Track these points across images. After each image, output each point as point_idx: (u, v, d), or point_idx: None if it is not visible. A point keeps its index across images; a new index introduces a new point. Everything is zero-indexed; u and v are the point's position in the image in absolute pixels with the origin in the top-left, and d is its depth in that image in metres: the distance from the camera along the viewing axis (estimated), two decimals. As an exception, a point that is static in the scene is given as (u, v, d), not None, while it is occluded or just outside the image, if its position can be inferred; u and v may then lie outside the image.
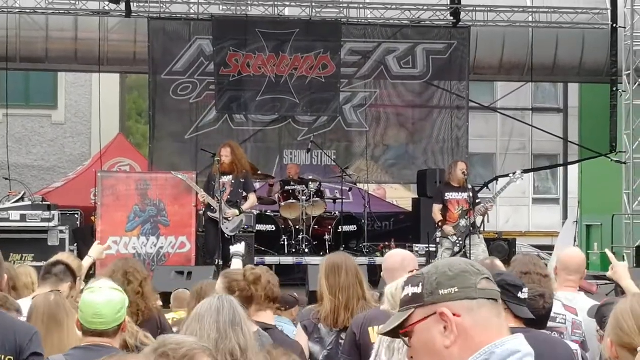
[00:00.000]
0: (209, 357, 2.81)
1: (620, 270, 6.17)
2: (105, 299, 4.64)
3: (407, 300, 2.56)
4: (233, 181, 14.85)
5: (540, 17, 19.52)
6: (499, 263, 7.08)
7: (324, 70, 19.15)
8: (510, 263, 6.47)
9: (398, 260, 6.22)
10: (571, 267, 6.62)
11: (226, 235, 14.67)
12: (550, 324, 5.47)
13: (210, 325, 4.21)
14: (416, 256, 7.01)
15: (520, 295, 5.04)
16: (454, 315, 2.50)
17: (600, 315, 5.50)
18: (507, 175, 16.28)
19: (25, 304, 5.82)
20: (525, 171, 19.78)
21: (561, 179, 37.73)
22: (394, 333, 2.60)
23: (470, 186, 15.11)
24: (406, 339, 2.56)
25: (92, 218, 16.46)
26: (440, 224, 14.79)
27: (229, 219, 14.72)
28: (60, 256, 6.96)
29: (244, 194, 15.06)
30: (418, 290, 2.54)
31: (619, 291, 12.61)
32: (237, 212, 14.82)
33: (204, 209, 15.19)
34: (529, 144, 33.64)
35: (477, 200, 15.14)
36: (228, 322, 4.22)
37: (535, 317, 5.05)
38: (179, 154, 18.91)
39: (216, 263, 14.23)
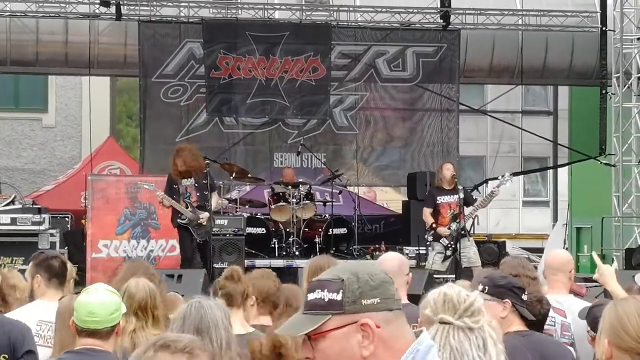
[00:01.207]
0: (207, 356, 2.82)
1: (607, 273, 6.17)
2: (99, 299, 4.66)
3: (322, 306, 2.50)
4: (197, 185, 13.92)
5: (530, 20, 19.58)
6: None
7: (314, 74, 19.18)
8: (499, 266, 6.49)
9: (396, 265, 6.22)
10: (554, 266, 6.62)
11: (199, 241, 14.17)
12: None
13: (176, 333, 4.19)
14: (407, 259, 7.02)
15: (524, 297, 5.11)
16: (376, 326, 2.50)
17: (591, 317, 5.53)
18: (496, 178, 16.31)
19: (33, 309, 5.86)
20: (516, 174, 19.84)
21: (551, 182, 37.74)
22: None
23: (461, 187, 15.10)
24: (311, 343, 2.53)
25: (83, 221, 16.46)
26: (433, 226, 14.75)
27: (203, 224, 13.87)
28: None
29: (209, 194, 14.01)
30: (338, 297, 2.49)
31: (609, 294, 12.66)
32: (207, 215, 13.90)
33: (172, 217, 14.24)
34: (519, 147, 33.73)
35: (475, 198, 15.13)
36: (193, 329, 4.17)
37: (535, 321, 5.10)
38: (169, 157, 18.82)
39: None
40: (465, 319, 2.80)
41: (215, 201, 14.24)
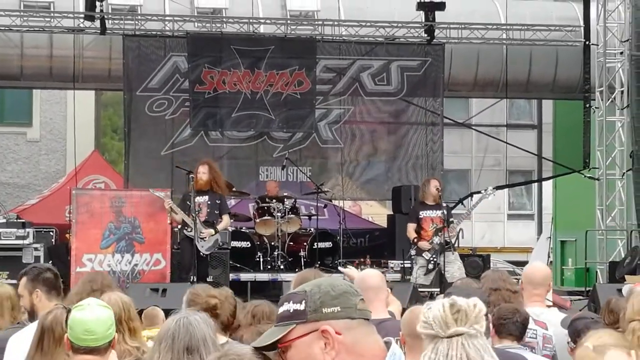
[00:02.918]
0: None
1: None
2: (95, 315, 4.62)
3: (288, 316, 2.66)
4: (209, 202, 14.87)
5: (514, 34, 19.65)
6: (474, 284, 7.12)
7: (299, 87, 19.21)
8: (480, 279, 6.52)
9: (379, 279, 6.30)
10: (536, 281, 6.65)
11: (201, 254, 14.70)
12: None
13: (166, 353, 4.19)
14: (391, 272, 7.03)
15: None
16: (336, 333, 2.63)
17: (573, 328, 5.56)
18: (480, 192, 16.36)
19: None
20: (500, 187, 19.90)
21: (536, 195, 37.94)
22: (267, 347, 2.70)
23: (444, 204, 15.17)
24: (279, 353, 2.66)
25: (67, 235, 16.42)
26: (415, 240, 14.83)
27: (205, 238, 14.73)
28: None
29: (219, 214, 15.07)
30: (301, 307, 2.65)
31: (592, 307, 12.70)
32: (212, 231, 14.85)
33: (179, 227, 15.17)
34: (504, 160, 33.79)
35: (451, 219, 15.20)
36: (182, 348, 4.16)
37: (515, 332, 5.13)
38: (154, 171, 18.88)
39: (191, 280, 14.20)
40: (475, 326, 2.81)
41: (225, 223, 15.23)
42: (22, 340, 5.47)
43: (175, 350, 4.14)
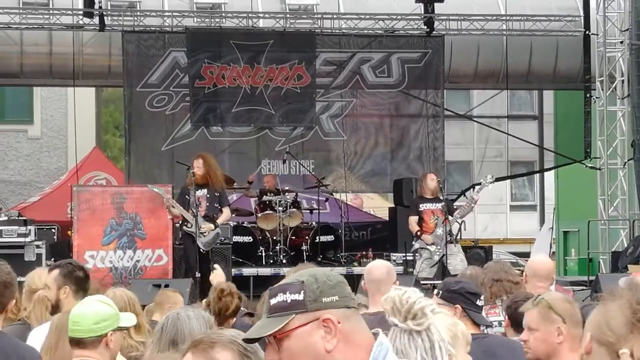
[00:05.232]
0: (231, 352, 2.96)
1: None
2: (86, 308, 4.69)
3: (285, 307, 2.68)
4: (208, 195, 14.62)
5: (513, 25, 19.61)
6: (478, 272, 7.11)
7: (299, 81, 19.19)
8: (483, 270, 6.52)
9: (384, 272, 6.28)
10: (542, 274, 6.66)
11: (202, 250, 14.56)
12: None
13: (154, 346, 4.24)
14: (394, 265, 7.04)
15: (478, 302, 5.18)
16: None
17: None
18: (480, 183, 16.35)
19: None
20: (501, 178, 19.91)
21: (538, 186, 37.92)
22: (258, 338, 2.75)
23: (442, 197, 15.16)
24: (277, 344, 2.68)
25: (69, 232, 16.42)
26: (418, 233, 14.82)
27: (205, 233, 14.57)
28: (39, 271, 6.87)
29: (219, 207, 14.89)
30: (299, 297, 2.68)
31: (595, 297, 12.69)
32: (212, 226, 14.61)
33: (180, 222, 15.10)
34: (506, 151, 33.83)
35: (455, 207, 15.20)
36: (168, 342, 4.23)
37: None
38: (155, 166, 18.89)
39: (196, 277, 14.20)
40: (409, 322, 2.87)
41: (225, 216, 14.93)
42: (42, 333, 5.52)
43: (162, 344, 4.19)
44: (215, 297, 6.92)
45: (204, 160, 14.70)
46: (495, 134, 29.19)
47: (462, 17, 19.36)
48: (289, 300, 2.68)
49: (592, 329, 3.39)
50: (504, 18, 19.64)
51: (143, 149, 19.08)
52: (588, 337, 3.39)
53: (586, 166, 19.84)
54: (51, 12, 18.57)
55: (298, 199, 17.29)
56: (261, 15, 19.30)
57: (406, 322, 2.82)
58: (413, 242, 15.30)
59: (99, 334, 4.64)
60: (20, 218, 16.25)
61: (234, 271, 15.63)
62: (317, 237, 17.09)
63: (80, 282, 6.25)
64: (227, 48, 18.95)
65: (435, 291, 5.15)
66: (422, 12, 19.34)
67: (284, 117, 19.33)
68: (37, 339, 5.49)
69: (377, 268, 6.35)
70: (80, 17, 18.52)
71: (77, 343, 4.65)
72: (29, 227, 15.74)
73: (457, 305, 5.11)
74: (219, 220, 14.78)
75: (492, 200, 35.47)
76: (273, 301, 2.71)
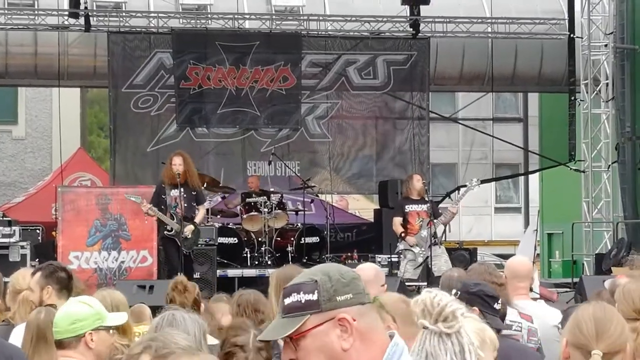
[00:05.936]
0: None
1: None
2: (63, 309, 4.73)
3: (300, 307, 2.68)
4: (185, 195, 14.00)
5: (499, 28, 19.66)
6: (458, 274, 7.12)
7: (284, 83, 19.20)
8: (466, 272, 6.55)
9: (372, 274, 6.30)
10: (521, 274, 6.73)
11: (185, 252, 14.24)
12: (506, 331, 5.53)
13: None
14: (379, 267, 7.06)
15: (495, 306, 5.15)
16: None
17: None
18: (466, 185, 16.39)
19: None
20: (486, 181, 19.94)
21: (522, 188, 38.00)
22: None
23: (428, 198, 15.18)
24: (293, 344, 2.69)
25: (53, 233, 16.39)
26: (402, 235, 14.84)
27: (188, 236, 14.05)
28: (24, 272, 6.88)
29: (196, 205, 14.32)
30: (313, 297, 2.67)
31: (579, 298, 12.73)
32: (192, 227, 14.08)
33: (158, 225, 14.64)
34: (491, 154, 33.81)
35: (439, 211, 15.22)
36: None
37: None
38: (140, 168, 18.87)
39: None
40: (439, 324, 2.82)
41: (202, 215, 14.48)
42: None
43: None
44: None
45: (183, 158, 14.15)
46: (481, 137, 29.21)
47: (448, 20, 19.40)
48: (303, 301, 2.68)
49: (567, 335, 3.49)
50: (490, 21, 19.70)
51: (128, 150, 19.06)
52: (564, 342, 3.48)
53: (570, 169, 19.90)
54: (36, 12, 18.54)
55: (283, 201, 17.29)
56: (247, 16, 19.32)
57: (437, 325, 2.80)
58: (398, 244, 15.32)
59: (76, 334, 4.66)
60: (4, 219, 16.24)
61: (219, 272, 15.62)
62: (303, 239, 17.10)
63: (63, 282, 6.29)
64: (213, 49, 18.95)
65: (454, 291, 5.10)
66: (408, 15, 19.38)
67: (269, 119, 19.34)
68: (18, 336, 5.55)
69: (365, 270, 6.37)
70: (66, 17, 18.49)
71: (59, 344, 4.70)
72: (13, 227, 15.72)
73: (475, 308, 5.07)
74: (197, 220, 14.28)
75: (477, 202, 35.54)
76: (287, 301, 2.71)
